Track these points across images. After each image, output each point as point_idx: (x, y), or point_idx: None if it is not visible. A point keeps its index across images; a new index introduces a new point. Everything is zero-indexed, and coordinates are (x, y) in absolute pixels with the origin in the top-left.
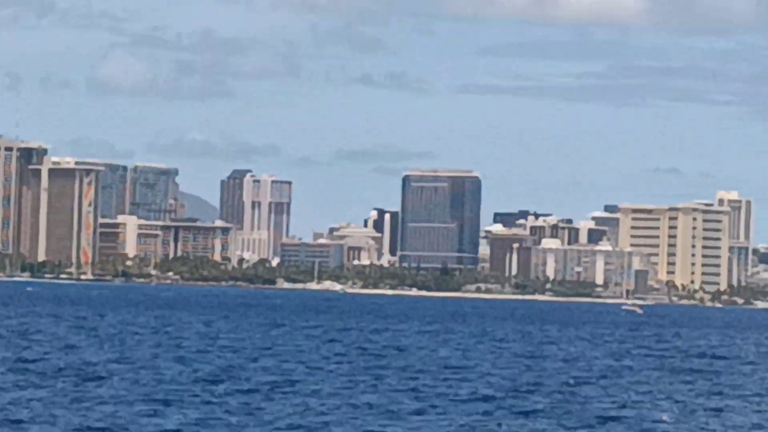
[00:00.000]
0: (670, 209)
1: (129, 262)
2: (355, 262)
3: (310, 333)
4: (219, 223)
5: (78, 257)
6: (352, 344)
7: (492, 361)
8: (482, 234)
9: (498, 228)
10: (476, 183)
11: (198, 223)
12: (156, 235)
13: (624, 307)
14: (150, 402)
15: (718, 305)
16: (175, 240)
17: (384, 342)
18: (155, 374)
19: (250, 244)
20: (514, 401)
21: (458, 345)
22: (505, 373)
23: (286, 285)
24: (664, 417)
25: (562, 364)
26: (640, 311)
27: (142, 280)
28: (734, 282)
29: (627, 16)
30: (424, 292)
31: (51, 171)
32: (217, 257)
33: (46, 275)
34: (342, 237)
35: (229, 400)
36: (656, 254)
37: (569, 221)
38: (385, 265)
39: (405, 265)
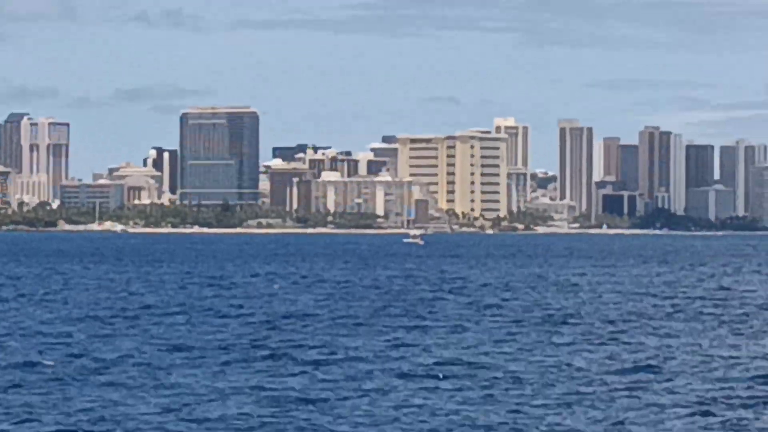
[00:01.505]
0: (448, 138)
1: None
2: (136, 201)
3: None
4: None
5: None
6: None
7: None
8: (262, 169)
9: (277, 162)
10: (254, 118)
11: None
12: None
13: (405, 239)
14: None
15: (498, 232)
16: None
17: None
18: None
19: (30, 188)
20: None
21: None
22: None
23: (68, 227)
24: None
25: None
26: (421, 242)
27: None
28: (514, 208)
29: None
30: (205, 229)
31: None
32: None
33: None
34: (122, 177)
35: None
36: (435, 183)
37: (348, 153)
38: (166, 203)
39: (186, 202)
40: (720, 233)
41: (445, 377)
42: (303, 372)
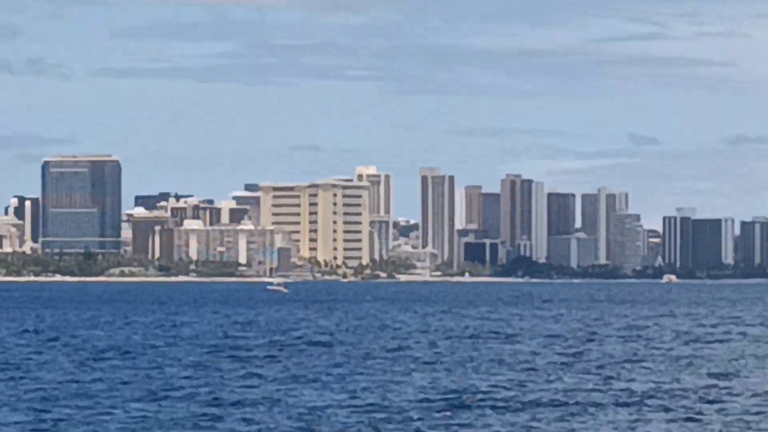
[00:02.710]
0: (310, 186)
1: None
2: None
3: None
4: None
5: None
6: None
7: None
8: (124, 217)
9: (139, 211)
10: (116, 167)
11: None
12: None
13: (269, 287)
14: None
15: (361, 280)
16: None
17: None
18: None
19: None
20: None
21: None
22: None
23: None
24: None
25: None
26: (285, 290)
27: None
28: (376, 256)
29: None
30: (68, 278)
31: None
32: None
33: None
34: None
35: None
36: (298, 231)
37: (210, 202)
38: (28, 252)
39: (48, 251)
40: (581, 281)
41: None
42: None
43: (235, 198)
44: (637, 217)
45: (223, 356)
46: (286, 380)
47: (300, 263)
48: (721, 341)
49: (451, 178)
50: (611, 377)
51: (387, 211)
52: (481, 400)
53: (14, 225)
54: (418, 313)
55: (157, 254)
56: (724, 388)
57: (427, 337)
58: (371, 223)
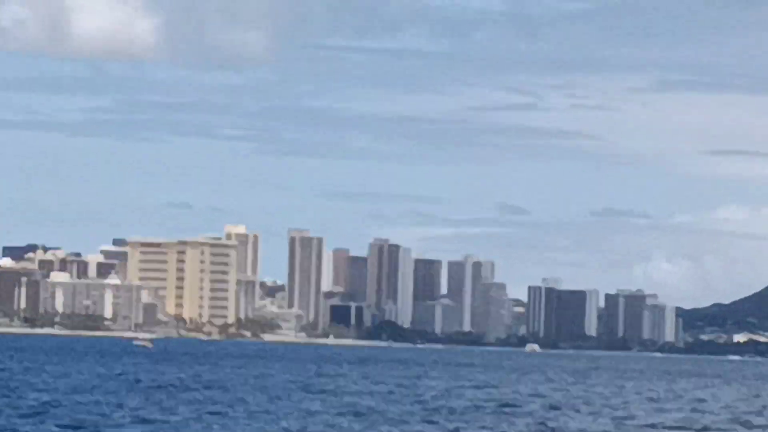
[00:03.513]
0: (179, 243)
1: None
2: None
3: None
4: None
5: None
6: None
7: None
8: None
9: (6, 262)
10: None
11: None
12: None
13: (135, 342)
14: None
15: (226, 338)
16: None
17: None
18: None
19: None
20: None
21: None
22: None
23: None
24: None
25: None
26: (150, 345)
27: None
28: (242, 315)
29: (141, 51)
30: None
31: None
32: None
33: None
34: None
35: None
36: (165, 288)
37: (78, 255)
38: None
39: None
40: (444, 347)
41: None
42: None
43: (103, 252)
44: (503, 286)
45: None
46: None
47: (165, 319)
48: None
49: (320, 240)
50: None
51: (254, 271)
52: None
53: None
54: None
55: (22, 305)
56: None
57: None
58: (238, 282)
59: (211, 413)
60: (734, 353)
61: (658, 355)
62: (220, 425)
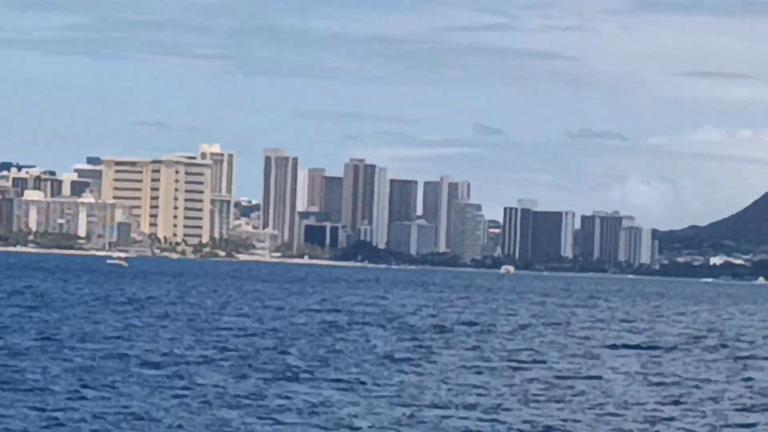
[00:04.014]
0: (153, 162)
1: None
2: None
3: None
4: None
5: None
6: None
7: None
8: None
9: None
10: None
11: None
12: None
13: (109, 261)
14: None
15: (200, 258)
16: None
17: None
18: None
19: None
20: None
21: None
22: None
23: None
24: None
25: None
26: (125, 264)
27: None
28: (216, 235)
29: None
30: None
31: None
32: None
33: None
34: None
35: None
36: (139, 207)
37: (52, 173)
38: None
39: None
40: (420, 267)
41: None
42: None
43: (77, 170)
44: (479, 207)
45: None
46: None
47: (140, 239)
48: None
49: (295, 160)
50: None
51: (229, 191)
52: None
53: None
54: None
55: None
56: None
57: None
58: (213, 201)
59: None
60: (710, 276)
61: (631, 276)
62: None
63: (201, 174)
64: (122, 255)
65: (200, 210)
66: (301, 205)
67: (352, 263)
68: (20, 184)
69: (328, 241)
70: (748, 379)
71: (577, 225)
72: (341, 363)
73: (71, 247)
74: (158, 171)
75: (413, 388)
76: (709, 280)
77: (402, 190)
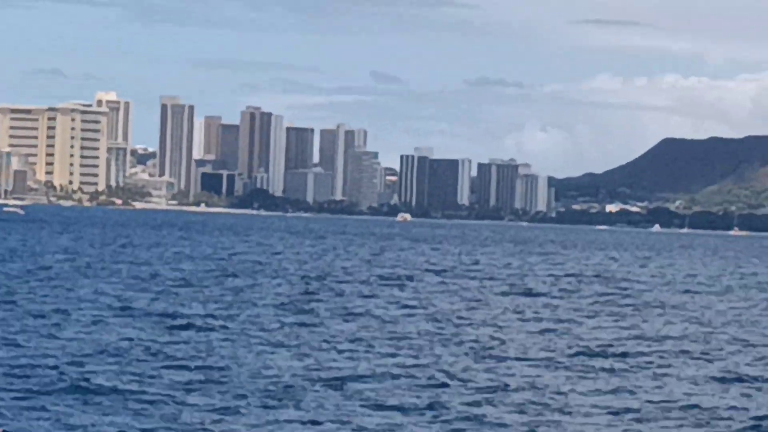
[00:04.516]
0: (49, 109)
1: None
2: None
3: None
4: None
5: None
6: None
7: None
8: None
9: None
10: None
11: None
12: None
13: (5, 209)
14: None
15: (96, 205)
16: None
17: None
18: None
19: None
20: None
21: None
22: None
23: None
24: None
25: None
26: (21, 212)
27: None
28: (113, 182)
29: None
30: None
31: None
32: None
33: None
34: None
35: None
36: (35, 154)
37: None
38: None
39: None
40: (316, 215)
41: None
42: None
43: None
44: (375, 155)
45: None
46: None
47: (36, 186)
48: None
49: (191, 107)
50: None
51: (125, 139)
52: None
53: None
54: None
55: None
56: None
57: None
58: (109, 149)
59: None
60: (606, 223)
61: (525, 224)
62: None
63: (97, 122)
64: (19, 203)
65: (96, 158)
66: (198, 153)
67: (248, 211)
68: None
69: (224, 188)
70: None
71: (474, 173)
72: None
73: None
74: (54, 119)
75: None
76: (604, 227)
77: (298, 137)
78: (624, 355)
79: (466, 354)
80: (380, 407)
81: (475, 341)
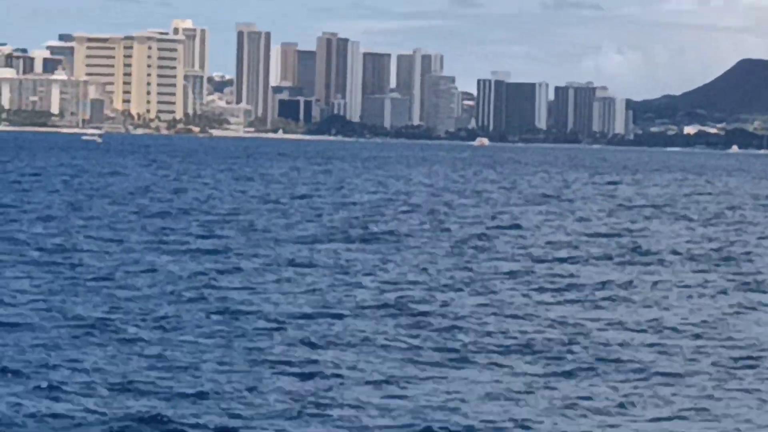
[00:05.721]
0: (126, 38)
1: None
2: None
3: None
4: None
5: None
6: None
7: None
8: None
9: None
10: None
11: None
12: None
13: (84, 137)
14: None
15: (174, 133)
16: None
17: None
18: None
19: None
20: None
21: None
22: None
23: None
24: None
25: None
26: (99, 140)
27: None
28: (190, 110)
29: None
30: None
31: None
32: None
33: None
34: None
35: None
36: (112, 83)
37: (24, 50)
38: None
39: None
40: (394, 141)
41: None
42: None
43: (49, 48)
44: (452, 79)
45: None
46: None
47: (113, 115)
48: None
49: (267, 34)
50: None
51: (202, 66)
52: None
53: None
54: None
55: None
56: None
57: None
58: (186, 77)
59: None
60: (684, 145)
61: (596, 146)
62: None
63: (174, 50)
64: (96, 132)
65: (173, 86)
66: (275, 79)
67: (325, 137)
68: None
69: (301, 115)
70: None
71: (551, 96)
72: None
73: (44, 125)
74: (131, 47)
75: None
76: (676, 149)
77: (375, 63)
78: None
79: None
80: None
81: None
